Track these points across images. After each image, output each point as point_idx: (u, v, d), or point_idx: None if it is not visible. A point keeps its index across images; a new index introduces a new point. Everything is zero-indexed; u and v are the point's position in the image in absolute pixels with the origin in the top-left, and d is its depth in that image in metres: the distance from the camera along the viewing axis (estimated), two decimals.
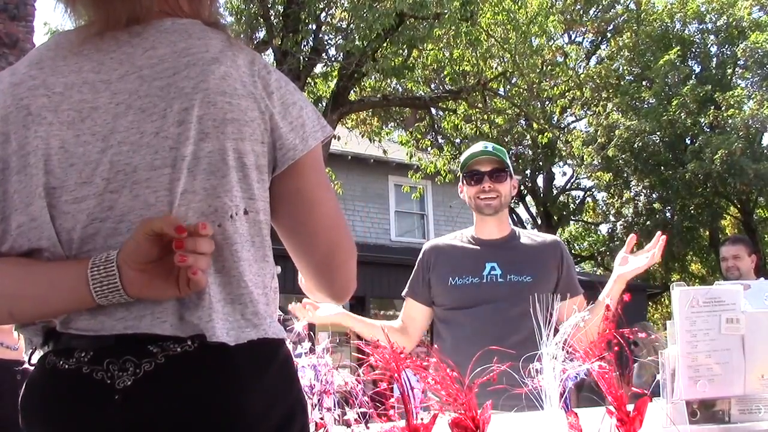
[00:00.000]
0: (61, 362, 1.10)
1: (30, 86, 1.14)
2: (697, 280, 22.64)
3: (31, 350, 1.17)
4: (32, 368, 1.17)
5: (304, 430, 1.18)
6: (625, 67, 22.97)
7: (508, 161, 2.80)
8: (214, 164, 1.10)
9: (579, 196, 25.53)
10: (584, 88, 21.39)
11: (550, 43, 16.74)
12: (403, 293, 2.82)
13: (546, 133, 16.59)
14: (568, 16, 21.71)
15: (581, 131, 22.75)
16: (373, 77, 13.36)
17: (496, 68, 14.88)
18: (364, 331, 2.67)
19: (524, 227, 19.38)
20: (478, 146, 2.83)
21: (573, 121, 24.61)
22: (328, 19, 12.80)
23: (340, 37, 12.46)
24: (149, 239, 1.04)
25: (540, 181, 24.38)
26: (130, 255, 1.05)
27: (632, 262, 2.50)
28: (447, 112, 15.89)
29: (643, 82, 21.77)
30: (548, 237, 2.83)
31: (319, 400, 1.64)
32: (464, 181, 2.80)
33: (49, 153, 1.11)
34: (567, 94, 20.11)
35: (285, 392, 1.14)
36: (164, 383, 1.06)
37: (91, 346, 1.09)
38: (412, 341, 2.80)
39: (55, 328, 1.11)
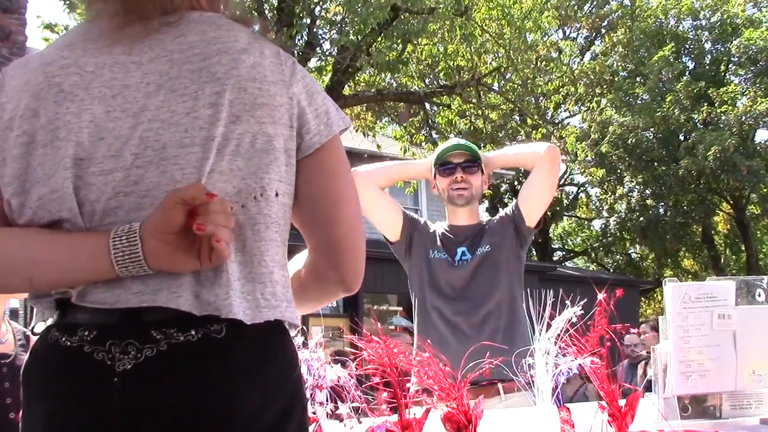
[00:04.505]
0: (64, 339, 1.10)
1: (62, 65, 1.17)
2: (689, 276, 22.72)
3: (37, 321, 1.18)
4: (35, 339, 1.17)
5: (303, 428, 1.17)
6: (619, 63, 23.01)
7: (480, 157, 2.94)
8: (243, 147, 1.12)
9: (572, 192, 25.59)
10: (578, 84, 21.42)
11: (545, 39, 16.76)
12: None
13: (540, 129, 16.59)
14: (563, 12, 21.71)
15: (575, 127, 22.78)
16: (367, 72, 13.35)
17: (490, 63, 14.88)
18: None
19: None
20: (451, 141, 3.03)
21: (567, 117, 24.67)
22: (323, 13, 12.78)
23: (335, 31, 12.44)
24: (177, 207, 1.05)
25: None
26: (156, 225, 1.06)
27: None
28: (441, 107, 15.90)
29: (637, 79, 21.80)
30: (506, 210, 2.98)
31: (311, 395, 1.64)
32: (437, 174, 2.92)
33: (80, 126, 1.12)
34: (561, 89, 20.14)
35: (285, 389, 1.14)
36: (163, 371, 1.06)
37: (95, 323, 1.09)
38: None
39: (70, 299, 1.12)
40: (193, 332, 1.07)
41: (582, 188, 25.36)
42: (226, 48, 1.15)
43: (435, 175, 2.93)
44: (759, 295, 1.83)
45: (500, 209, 21.66)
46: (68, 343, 1.09)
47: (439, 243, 2.85)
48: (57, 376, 1.10)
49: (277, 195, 1.15)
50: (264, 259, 1.13)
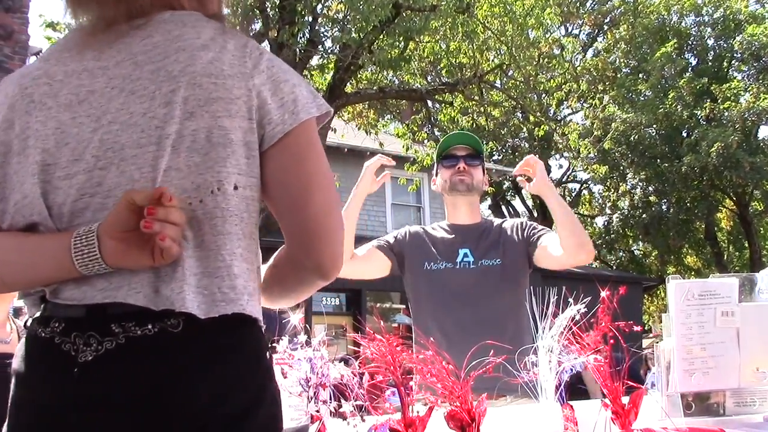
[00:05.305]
0: (40, 330, 1.17)
1: (34, 76, 1.23)
2: (692, 273, 22.69)
3: (27, 319, 1.23)
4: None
5: (272, 422, 1.17)
6: (621, 60, 22.97)
7: (483, 150, 2.92)
8: (198, 142, 1.14)
9: (575, 189, 25.56)
10: (581, 81, 21.39)
11: (547, 36, 16.69)
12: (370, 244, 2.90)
13: (542, 126, 16.58)
14: (565, 9, 21.66)
15: (577, 124, 22.76)
16: (369, 69, 13.33)
17: (492, 60, 14.85)
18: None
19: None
20: (454, 133, 3.01)
21: (569, 114, 24.63)
22: (325, 11, 12.77)
23: (337, 28, 12.43)
24: (128, 209, 1.09)
25: None
26: (111, 225, 1.11)
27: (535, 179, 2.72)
28: (443, 104, 15.86)
29: (640, 75, 21.76)
30: (514, 220, 2.93)
31: (314, 393, 1.64)
32: (440, 167, 2.90)
33: (47, 134, 1.17)
34: (563, 86, 20.06)
35: (247, 381, 1.14)
36: (121, 364, 1.09)
37: (64, 316, 1.14)
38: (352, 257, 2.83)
39: (45, 296, 1.19)
40: (150, 326, 1.10)
41: (585, 185, 25.33)
42: (185, 45, 1.18)
43: (437, 171, 2.91)
44: (762, 292, 1.83)
45: (502, 206, 21.48)
46: (43, 334, 1.16)
47: (436, 252, 2.78)
48: (31, 365, 1.17)
49: (236, 188, 1.16)
50: (221, 253, 1.15)
